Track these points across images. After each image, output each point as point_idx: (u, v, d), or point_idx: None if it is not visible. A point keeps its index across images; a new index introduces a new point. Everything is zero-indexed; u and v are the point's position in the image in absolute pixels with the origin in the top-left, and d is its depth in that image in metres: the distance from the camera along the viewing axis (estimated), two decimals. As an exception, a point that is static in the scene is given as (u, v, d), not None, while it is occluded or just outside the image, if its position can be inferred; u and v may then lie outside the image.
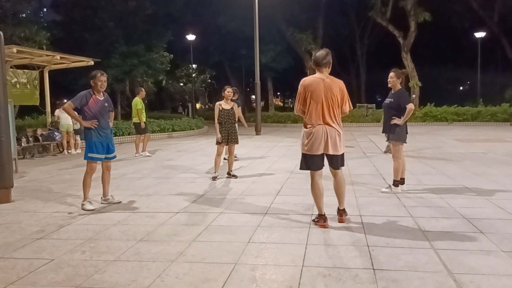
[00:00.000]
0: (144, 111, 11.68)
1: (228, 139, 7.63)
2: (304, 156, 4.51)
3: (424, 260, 3.51)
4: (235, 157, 9.48)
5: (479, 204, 5.40)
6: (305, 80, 4.48)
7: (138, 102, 11.55)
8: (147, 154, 11.63)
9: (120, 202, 5.88)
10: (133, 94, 30.36)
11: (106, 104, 5.75)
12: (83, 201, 5.62)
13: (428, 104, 25.79)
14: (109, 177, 5.93)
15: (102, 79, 5.61)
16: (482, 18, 32.51)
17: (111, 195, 5.95)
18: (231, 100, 7.83)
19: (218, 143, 7.60)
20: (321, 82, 4.39)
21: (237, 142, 7.78)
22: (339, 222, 4.62)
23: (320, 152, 4.42)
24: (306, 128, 4.46)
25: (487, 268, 3.33)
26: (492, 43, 32.87)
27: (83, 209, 5.50)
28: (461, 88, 48.34)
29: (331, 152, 4.42)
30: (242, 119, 7.91)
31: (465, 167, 8.51)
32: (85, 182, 5.63)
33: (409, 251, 3.72)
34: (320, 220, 4.53)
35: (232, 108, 7.68)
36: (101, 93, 5.71)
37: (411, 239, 4.06)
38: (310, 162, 4.47)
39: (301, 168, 4.61)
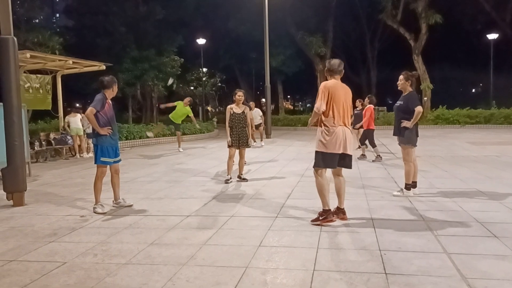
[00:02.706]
0: (175, 112, 13.48)
1: (239, 143, 7.63)
2: (323, 154, 4.66)
3: (437, 265, 3.47)
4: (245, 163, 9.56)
5: (492, 208, 5.33)
6: (328, 83, 4.71)
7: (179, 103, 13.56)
8: (180, 150, 13.64)
9: (131, 206, 5.92)
10: (143, 98, 30.85)
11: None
12: (94, 205, 5.67)
13: (440, 106, 25.58)
14: (119, 181, 5.97)
15: (117, 86, 5.84)
16: (495, 20, 32.16)
17: (123, 198, 5.99)
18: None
19: (229, 146, 7.61)
20: (341, 87, 4.72)
21: (248, 146, 7.79)
22: (342, 220, 4.79)
23: (340, 151, 4.66)
24: (326, 127, 4.65)
25: (502, 273, 3.27)
26: (505, 44, 32.44)
27: (95, 213, 5.55)
28: (473, 90, 47.83)
29: (348, 151, 4.72)
30: (249, 127, 7.83)
31: (478, 170, 8.41)
32: (96, 186, 5.68)
33: (422, 256, 3.68)
34: (329, 215, 4.68)
35: (243, 112, 7.66)
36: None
37: (423, 243, 4.01)
38: (328, 160, 4.66)
39: (316, 166, 4.74)
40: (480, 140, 15.53)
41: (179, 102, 13.56)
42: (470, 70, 35.25)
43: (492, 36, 30.34)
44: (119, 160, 5.91)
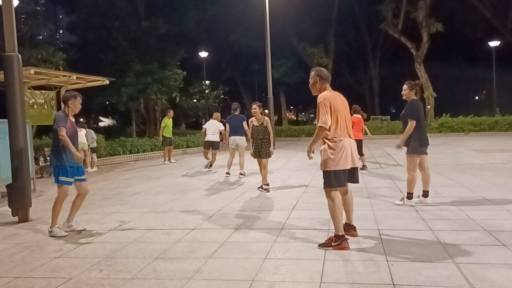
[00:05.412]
0: (168, 128, 14.29)
1: (260, 153, 7.91)
2: (335, 173, 4.22)
3: (445, 275, 3.42)
4: (243, 174, 9.77)
5: (500, 216, 5.28)
6: (327, 94, 4.30)
7: (164, 121, 14.39)
8: (172, 161, 14.46)
9: (84, 230, 5.39)
10: (147, 112, 31.02)
11: None
12: (51, 228, 5.23)
13: (444, 114, 25.53)
14: (81, 204, 5.52)
15: (80, 103, 5.40)
16: (496, 27, 32.24)
17: (75, 221, 5.49)
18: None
19: (253, 157, 8.11)
20: (338, 96, 4.41)
21: (269, 156, 7.97)
22: (354, 236, 4.54)
23: (349, 166, 4.28)
24: (332, 142, 4.24)
25: (511, 282, 3.24)
26: (507, 51, 32.48)
27: (53, 236, 5.16)
28: (476, 97, 47.82)
29: (357, 164, 4.42)
30: (271, 138, 8.04)
31: (484, 178, 8.35)
32: (57, 208, 5.27)
33: (430, 266, 3.64)
34: (344, 242, 4.19)
35: (262, 123, 7.91)
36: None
37: (431, 253, 3.97)
38: (342, 177, 4.27)
39: (329, 186, 4.26)
40: (485, 147, 15.46)
41: (165, 119, 14.43)
42: (472, 78, 35.29)
43: (494, 43, 30.38)
44: (84, 179, 5.49)
